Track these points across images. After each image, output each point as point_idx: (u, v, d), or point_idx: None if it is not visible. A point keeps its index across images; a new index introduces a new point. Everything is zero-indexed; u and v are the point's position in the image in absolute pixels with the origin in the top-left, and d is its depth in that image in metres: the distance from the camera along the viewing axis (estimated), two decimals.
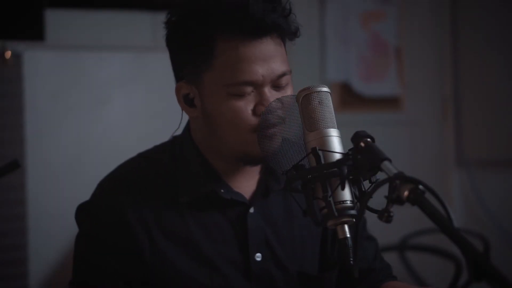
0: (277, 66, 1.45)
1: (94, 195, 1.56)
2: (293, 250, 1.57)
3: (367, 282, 1.63)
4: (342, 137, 1.32)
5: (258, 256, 1.52)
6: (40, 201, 3.08)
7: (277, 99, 1.44)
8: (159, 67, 3.27)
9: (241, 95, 1.43)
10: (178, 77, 1.52)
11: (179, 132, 1.59)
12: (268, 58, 1.44)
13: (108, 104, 3.23)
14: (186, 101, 1.51)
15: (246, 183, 1.55)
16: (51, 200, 3.10)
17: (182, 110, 1.53)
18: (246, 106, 1.44)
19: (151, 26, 3.29)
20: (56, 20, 3.08)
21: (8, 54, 2.95)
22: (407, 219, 2.68)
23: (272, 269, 1.53)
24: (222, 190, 1.51)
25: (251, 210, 1.53)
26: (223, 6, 1.44)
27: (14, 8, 2.90)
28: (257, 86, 1.44)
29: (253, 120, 1.44)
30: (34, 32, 2.92)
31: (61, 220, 3.07)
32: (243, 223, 1.52)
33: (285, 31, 1.47)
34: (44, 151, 3.12)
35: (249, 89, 1.44)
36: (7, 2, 2.90)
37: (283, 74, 1.46)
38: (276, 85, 1.46)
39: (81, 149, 3.18)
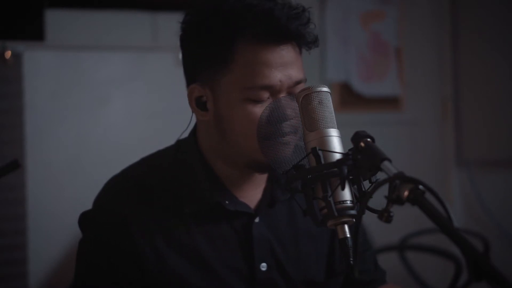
0: (295, 73, 1.44)
1: (98, 202, 1.54)
2: (298, 258, 1.56)
3: None
4: (342, 137, 1.32)
5: (263, 266, 1.51)
6: (40, 201, 3.08)
7: (289, 105, 1.42)
8: (159, 67, 3.27)
9: (257, 100, 1.42)
10: (191, 79, 1.50)
11: (185, 134, 1.57)
12: (287, 64, 1.43)
13: (108, 104, 3.23)
14: (198, 104, 1.48)
15: (252, 192, 1.54)
16: (51, 200, 3.11)
17: (193, 113, 1.51)
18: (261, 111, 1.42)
19: (151, 26, 3.29)
20: (56, 20, 3.08)
21: (8, 54, 2.95)
22: (407, 219, 2.69)
23: (277, 278, 1.53)
24: (227, 202, 1.49)
25: (256, 219, 1.52)
26: (247, 8, 1.42)
27: (14, 8, 2.90)
28: (274, 92, 1.43)
29: (267, 127, 1.42)
30: (34, 32, 2.92)
31: (61, 220, 3.07)
32: (248, 233, 1.51)
33: (305, 40, 1.46)
34: (44, 151, 3.12)
35: (266, 94, 1.42)
36: (7, 2, 2.90)
37: (299, 82, 1.44)
38: (291, 92, 1.44)
39: (81, 149, 3.18)
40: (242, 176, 1.52)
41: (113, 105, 3.24)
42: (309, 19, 1.45)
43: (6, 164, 1.64)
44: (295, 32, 1.43)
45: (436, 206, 1.12)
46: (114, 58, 3.25)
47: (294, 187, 1.32)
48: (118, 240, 1.47)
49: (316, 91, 1.34)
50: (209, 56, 1.45)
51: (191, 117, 1.53)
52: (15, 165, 1.64)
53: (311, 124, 1.32)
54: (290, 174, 1.31)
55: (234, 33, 1.42)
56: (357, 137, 1.26)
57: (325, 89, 1.35)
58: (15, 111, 3.03)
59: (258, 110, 1.42)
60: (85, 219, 1.54)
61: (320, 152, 1.29)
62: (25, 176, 3.02)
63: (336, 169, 1.26)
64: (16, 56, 2.99)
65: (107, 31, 3.25)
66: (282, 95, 1.43)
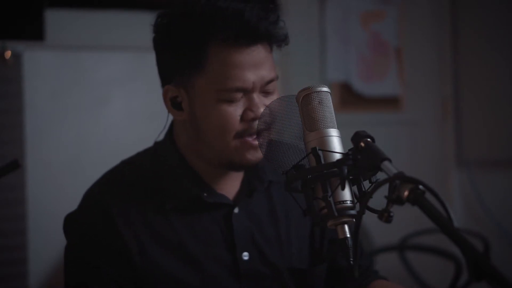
0: (266, 73, 1.49)
1: (81, 204, 1.58)
2: (280, 247, 1.59)
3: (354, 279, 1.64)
4: (342, 137, 1.32)
5: (246, 255, 1.54)
6: (40, 201, 3.08)
7: (266, 106, 1.45)
8: None
9: (231, 101, 1.46)
10: (165, 80, 1.54)
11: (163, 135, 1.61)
12: (258, 65, 1.47)
13: (108, 104, 3.23)
14: (173, 104, 1.53)
15: (230, 184, 1.58)
16: (51, 200, 3.10)
17: (169, 113, 1.55)
18: (235, 111, 1.47)
19: (151, 26, 3.29)
20: (56, 20, 3.07)
21: (8, 54, 2.95)
22: (407, 219, 2.68)
23: (260, 267, 1.55)
24: (205, 194, 1.53)
25: (236, 210, 1.56)
26: (218, 11, 1.45)
27: (14, 8, 2.90)
28: (247, 92, 1.47)
29: (240, 126, 1.48)
30: (34, 32, 2.92)
31: (61, 220, 3.05)
32: (228, 224, 1.55)
33: (276, 39, 1.50)
34: (44, 151, 3.11)
35: (239, 95, 1.47)
36: (7, 2, 2.90)
37: (271, 80, 1.49)
38: (264, 91, 1.50)
39: (81, 149, 3.18)
40: (219, 171, 1.56)
41: (113, 105, 3.24)
42: (278, 17, 1.49)
43: (6, 164, 1.64)
44: (265, 33, 1.47)
45: (436, 206, 1.12)
46: (114, 58, 3.25)
47: (294, 187, 1.32)
48: (105, 236, 1.50)
49: (316, 91, 1.34)
50: (183, 59, 1.49)
51: (167, 117, 1.57)
52: (15, 165, 1.64)
53: (311, 124, 1.32)
54: (290, 174, 1.31)
55: (206, 37, 1.46)
56: (357, 137, 1.27)
57: (325, 89, 1.35)
58: (15, 111, 3.03)
59: (232, 109, 1.47)
60: (69, 222, 1.57)
61: (320, 152, 1.29)
62: (25, 176, 3.02)
63: (336, 169, 1.26)
64: (16, 56, 2.99)
65: (107, 31, 3.25)
66: (255, 94, 1.48)
